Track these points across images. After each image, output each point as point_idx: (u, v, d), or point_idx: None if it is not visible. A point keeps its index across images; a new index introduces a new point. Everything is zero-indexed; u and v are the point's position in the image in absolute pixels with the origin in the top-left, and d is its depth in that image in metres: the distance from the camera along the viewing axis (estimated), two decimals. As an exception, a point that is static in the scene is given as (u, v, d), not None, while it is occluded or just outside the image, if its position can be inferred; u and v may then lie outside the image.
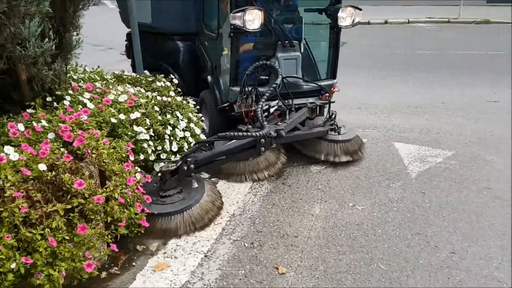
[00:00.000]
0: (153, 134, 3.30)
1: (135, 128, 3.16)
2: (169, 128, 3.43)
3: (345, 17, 4.05)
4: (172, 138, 3.42)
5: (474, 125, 5.29)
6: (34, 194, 2.28)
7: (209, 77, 4.51)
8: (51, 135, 2.73)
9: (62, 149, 2.56)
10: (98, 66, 4.15)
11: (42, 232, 2.20)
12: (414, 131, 5.11)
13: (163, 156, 3.32)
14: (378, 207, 3.47)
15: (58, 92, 3.20)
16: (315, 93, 4.28)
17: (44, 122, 2.80)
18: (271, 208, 3.45)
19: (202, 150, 3.58)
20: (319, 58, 4.52)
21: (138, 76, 4.11)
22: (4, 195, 2.18)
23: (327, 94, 4.23)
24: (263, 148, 3.50)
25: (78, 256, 2.35)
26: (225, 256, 2.86)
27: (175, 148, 3.40)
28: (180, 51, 4.98)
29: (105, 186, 2.57)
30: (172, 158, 3.40)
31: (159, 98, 3.58)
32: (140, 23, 4.86)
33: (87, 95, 3.22)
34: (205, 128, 4.43)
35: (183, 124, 3.52)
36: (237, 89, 3.98)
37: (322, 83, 4.29)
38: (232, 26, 3.68)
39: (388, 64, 9.14)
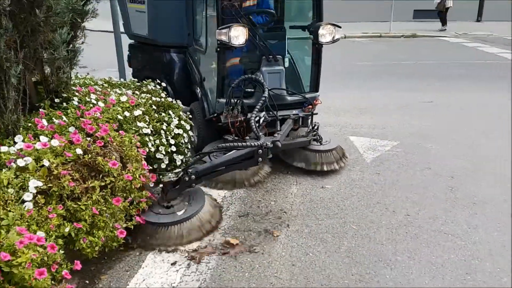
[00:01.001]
0: (152, 130, 3.77)
1: (138, 124, 3.62)
2: (164, 124, 3.91)
3: (325, 34, 4.21)
4: (167, 133, 3.89)
5: (413, 121, 6.18)
6: (73, 174, 2.71)
7: (198, 89, 4.74)
8: (71, 129, 3.14)
9: (88, 138, 3.00)
10: (88, 73, 4.53)
11: (85, 203, 2.64)
12: (364, 127, 5.89)
13: (161, 148, 3.76)
14: (344, 185, 4.15)
15: (64, 95, 3.60)
16: (298, 105, 4.47)
17: (64, 118, 3.22)
18: (256, 190, 4.03)
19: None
20: (303, 72, 4.79)
21: (125, 81, 4.55)
22: (52, 173, 2.60)
23: (310, 106, 4.43)
24: (260, 159, 3.61)
25: (109, 226, 2.80)
26: (225, 226, 3.40)
27: (172, 141, 3.86)
28: (173, 63, 5.19)
29: (127, 169, 3.03)
30: (169, 149, 3.84)
31: (154, 98, 4.05)
32: (137, 35, 5.33)
33: (93, 96, 3.65)
34: (194, 138, 4.66)
35: (175, 121, 4.01)
36: (223, 100, 4.15)
37: (306, 96, 4.49)
38: (218, 42, 3.87)
39: (334, 74, 10.03)
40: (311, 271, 2.91)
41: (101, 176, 2.83)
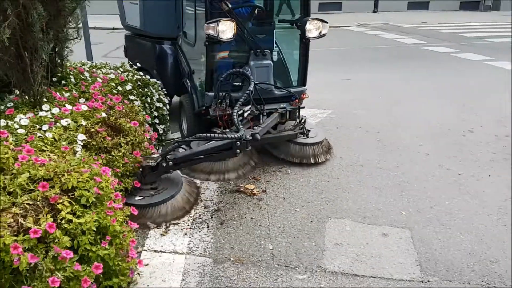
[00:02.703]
0: (140, 103, 4.38)
1: (130, 97, 4.23)
2: (148, 98, 4.53)
3: (312, 29, 4.26)
4: (151, 106, 4.52)
5: (339, 94, 7.32)
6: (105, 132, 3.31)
7: (187, 82, 4.76)
8: (82, 100, 3.69)
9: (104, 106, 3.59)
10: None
11: (118, 155, 3.25)
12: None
13: (148, 120, 4.38)
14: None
15: (59, 74, 4.08)
16: (286, 99, 4.50)
17: (74, 91, 3.75)
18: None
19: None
20: (291, 66, 4.79)
21: (105, 63, 5.00)
22: (90, 131, 3.18)
23: (297, 100, 4.47)
24: (238, 150, 3.68)
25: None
26: (213, 198, 3.87)
27: (155, 114, 4.50)
28: (164, 55, 5.24)
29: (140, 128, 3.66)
30: (154, 121, 4.48)
31: (136, 76, 4.64)
32: (132, 26, 5.64)
33: (87, 74, 4.18)
34: (184, 130, 4.90)
35: (156, 95, 4.65)
36: (212, 94, 4.18)
37: (293, 90, 4.50)
38: (206, 36, 3.90)
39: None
40: (294, 200, 3.79)
41: (121, 135, 3.45)
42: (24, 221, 2.12)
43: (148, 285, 2.69)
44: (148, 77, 4.87)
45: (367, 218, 3.54)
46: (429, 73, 9.03)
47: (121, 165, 3.25)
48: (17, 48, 3.16)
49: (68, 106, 3.36)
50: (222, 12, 4.01)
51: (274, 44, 4.60)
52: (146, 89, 4.60)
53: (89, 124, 3.23)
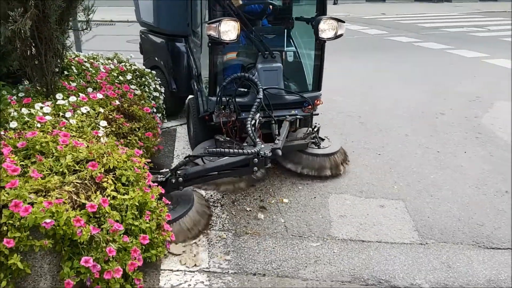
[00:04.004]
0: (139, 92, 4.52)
1: (131, 86, 4.36)
2: (146, 88, 4.68)
3: (326, 29, 3.80)
4: (149, 95, 4.66)
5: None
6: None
7: (194, 84, 4.49)
8: (90, 89, 3.81)
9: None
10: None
11: (135, 138, 3.41)
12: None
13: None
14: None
15: (59, 65, 4.16)
16: (297, 105, 4.09)
17: (82, 81, 3.86)
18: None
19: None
20: (308, 68, 4.39)
21: (98, 55, 5.07)
22: (108, 117, 3.33)
23: (309, 107, 4.09)
24: (256, 168, 3.32)
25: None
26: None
27: (153, 102, 4.65)
28: (176, 53, 4.98)
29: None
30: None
31: (133, 67, 4.76)
32: (146, 23, 5.51)
33: (87, 64, 4.28)
34: (191, 133, 4.59)
35: (153, 85, 4.79)
36: (215, 99, 3.85)
37: (306, 95, 4.08)
38: (209, 37, 3.54)
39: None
40: (294, 179, 4.07)
41: (133, 121, 3.61)
42: (77, 198, 2.28)
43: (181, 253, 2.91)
44: (143, 67, 5.00)
45: (364, 193, 3.87)
46: (396, 61, 9.55)
47: (138, 148, 3.42)
48: (33, 39, 3.26)
49: (82, 95, 3.49)
50: (226, 10, 3.73)
51: (291, 44, 4.32)
52: (143, 79, 4.74)
53: (107, 112, 3.37)
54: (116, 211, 2.40)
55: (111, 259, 2.24)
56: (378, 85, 7.47)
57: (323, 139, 4.25)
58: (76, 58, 4.40)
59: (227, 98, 3.80)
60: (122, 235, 2.38)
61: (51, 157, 2.52)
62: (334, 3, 23.97)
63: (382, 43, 12.19)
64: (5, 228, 2.02)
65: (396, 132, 5.31)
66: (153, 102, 4.71)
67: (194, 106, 4.38)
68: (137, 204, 2.50)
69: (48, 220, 2.02)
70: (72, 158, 2.50)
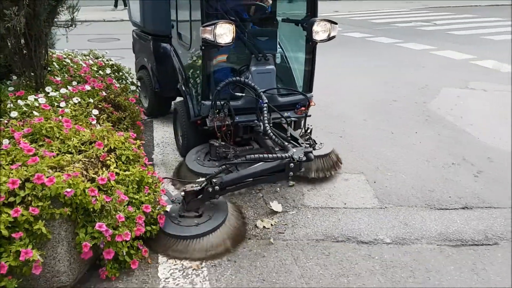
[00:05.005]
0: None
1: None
2: (123, 81, 4.95)
3: (319, 31, 3.81)
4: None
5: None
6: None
7: (182, 87, 4.31)
8: (74, 83, 4.07)
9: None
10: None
11: (123, 126, 3.71)
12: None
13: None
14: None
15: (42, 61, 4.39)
16: (290, 107, 4.09)
17: (66, 75, 4.12)
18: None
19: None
20: (295, 70, 4.41)
21: (69, 51, 5.29)
22: (98, 107, 3.62)
23: (302, 108, 4.08)
24: (291, 173, 3.28)
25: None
26: None
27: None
28: (161, 55, 4.97)
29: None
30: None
31: (110, 62, 5.03)
32: (136, 23, 5.54)
33: (68, 60, 4.52)
34: (179, 139, 4.52)
35: (130, 78, 5.08)
36: (208, 103, 3.79)
37: (298, 97, 4.09)
38: (203, 40, 3.47)
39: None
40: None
41: (120, 110, 3.91)
42: (87, 173, 2.60)
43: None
44: (120, 63, 5.27)
45: (330, 169, 4.34)
46: (351, 55, 10.16)
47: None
48: (24, 35, 3.50)
49: (72, 87, 3.76)
50: (219, 13, 3.76)
51: (278, 46, 4.28)
52: (120, 73, 5.02)
53: (96, 102, 3.66)
54: (119, 185, 2.73)
55: (120, 225, 2.57)
56: (335, 79, 7.98)
57: (315, 142, 4.14)
58: (56, 55, 4.63)
59: (222, 102, 3.75)
60: (126, 206, 2.71)
61: (57, 140, 2.81)
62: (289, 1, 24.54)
63: (338, 39, 12.74)
64: (29, 199, 2.31)
65: (355, 118, 5.83)
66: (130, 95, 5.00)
67: (183, 110, 4.28)
68: (137, 179, 2.83)
69: (68, 190, 2.33)
70: (77, 140, 2.80)
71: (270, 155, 3.25)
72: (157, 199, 3.03)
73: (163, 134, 5.14)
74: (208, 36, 3.39)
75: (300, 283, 2.76)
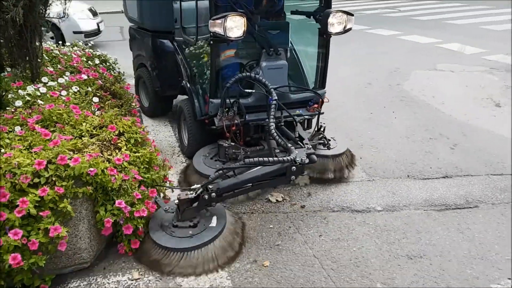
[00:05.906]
0: (107, 75, 4.88)
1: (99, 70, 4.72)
2: (112, 72, 5.03)
3: (335, 23, 3.59)
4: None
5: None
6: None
7: (187, 84, 4.11)
8: (67, 73, 4.14)
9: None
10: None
11: (121, 113, 3.83)
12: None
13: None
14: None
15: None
16: (302, 104, 3.90)
17: (59, 66, 4.18)
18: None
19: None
20: (305, 65, 4.19)
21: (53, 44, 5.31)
22: (97, 95, 3.72)
23: (315, 105, 3.89)
24: (293, 177, 3.08)
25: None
26: None
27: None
28: (161, 52, 4.76)
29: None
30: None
31: (97, 53, 5.09)
32: (132, 18, 5.30)
33: (57, 52, 4.57)
34: (184, 139, 4.33)
35: (117, 69, 5.15)
36: (217, 101, 3.59)
37: (310, 94, 3.92)
38: (211, 34, 3.27)
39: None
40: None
41: (115, 98, 4.02)
42: (102, 155, 2.73)
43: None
44: (105, 53, 5.33)
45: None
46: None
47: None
48: (20, 26, 3.56)
49: (66, 77, 3.84)
50: (229, 5, 3.53)
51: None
52: (108, 63, 5.09)
53: (94, 90, 3.77)
54: (132, 166, 2.88)
55: (136, 202, 2.72)
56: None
57: (329, 140, 4.04)
58: (44, 47, 4.66)
59: (232, 100, 3.56)
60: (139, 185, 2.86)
61: (67, 125, 2.93)
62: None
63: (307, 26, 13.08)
64: (53, 179, 2.43)
65: (334, 101, 6.07)
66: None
67: (188, 109, 4.09)
68: (147, 159, 2.99)
69: (92, 169, 2.47)
70: (89, 125, 2.92)
71: (270, 159, 2.96)
72: (167, 175, 3.20)
73: (152, 122, 5.27)
74: (218, 30, 3.18)
75: (305, 248, 2.99)
